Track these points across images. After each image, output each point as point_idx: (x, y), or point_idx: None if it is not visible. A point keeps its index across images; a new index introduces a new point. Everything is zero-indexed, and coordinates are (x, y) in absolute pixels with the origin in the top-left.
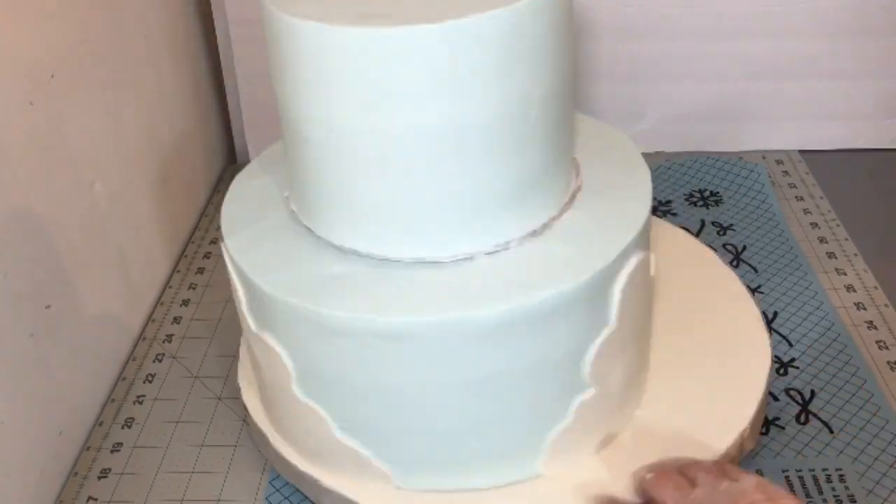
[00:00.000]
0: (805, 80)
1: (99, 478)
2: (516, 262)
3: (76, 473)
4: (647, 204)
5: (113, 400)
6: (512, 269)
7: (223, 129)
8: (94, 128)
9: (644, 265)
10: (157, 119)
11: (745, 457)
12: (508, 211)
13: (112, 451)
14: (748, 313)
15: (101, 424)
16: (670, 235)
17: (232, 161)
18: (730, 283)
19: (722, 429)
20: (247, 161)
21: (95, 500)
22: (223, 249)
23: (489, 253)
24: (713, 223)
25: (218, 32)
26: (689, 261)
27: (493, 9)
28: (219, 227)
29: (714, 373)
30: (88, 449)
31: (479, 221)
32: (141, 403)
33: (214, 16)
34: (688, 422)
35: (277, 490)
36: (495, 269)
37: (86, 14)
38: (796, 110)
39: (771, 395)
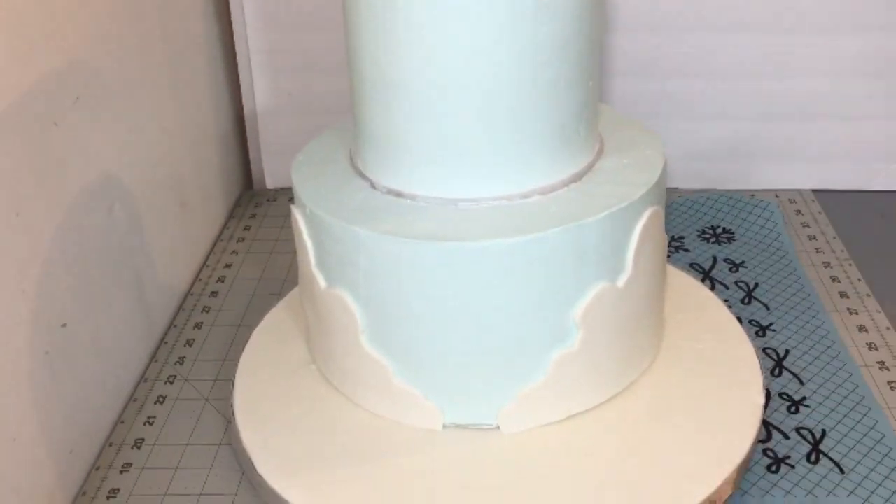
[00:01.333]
0: (819, 121)
1: (108, 497)
2: (536, 205)
3: (85, 493)
4: (661, 168)
5: (123, 421)
6: (555, 206)
7: (241, 156)
8: (115, 151)
9: (657, 217)
10: (176, 144)
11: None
12: (528, 164)
13: (121, 472)
14: (746, 359)
15: (111, 445)
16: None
17: (248, 187)
18: (728, 324)
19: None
20: (263, 187)
21: None
22: (295, 213)
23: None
24: (725, 260)
25: (239, 62)
26: (690, 302)
27: None
28: (234, 252)
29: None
30: (98, 469)
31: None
32: (151, 424)
33: (237, 47)
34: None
35: None
36: (543, 204)
37: (110, 37)
38: (810, 150)
39: (781, 434)
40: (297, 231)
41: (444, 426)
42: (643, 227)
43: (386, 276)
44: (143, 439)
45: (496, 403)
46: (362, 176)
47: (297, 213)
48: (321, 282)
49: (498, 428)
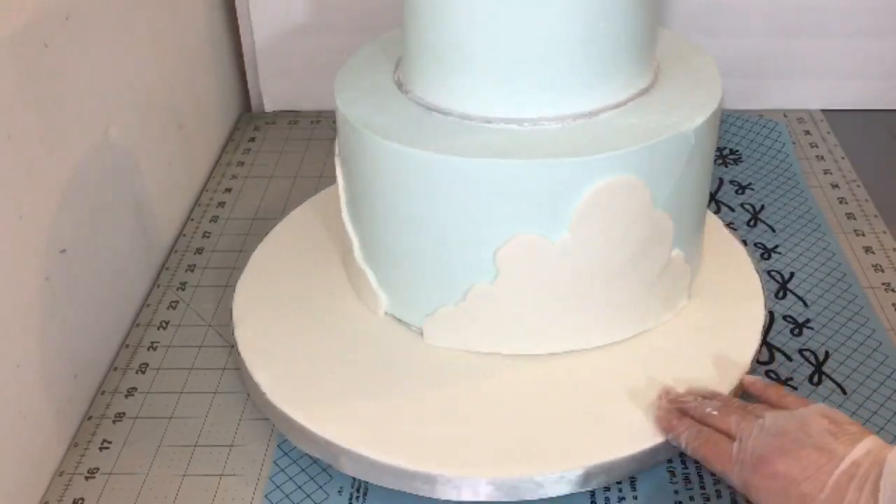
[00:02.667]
0: (829, 38)
1: (114, 421)
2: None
3: (91, 417)
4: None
5: (127, 345)
6: (641, 115)
7: (238, 77)
8: (109, 72)
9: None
10: (172, 65)
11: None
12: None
13: (126, 396)
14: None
15: (115, 369)
16: None
17: (247, 109)
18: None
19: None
20: (261, 109)
21: (110, 442)
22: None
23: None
24: (732, 182)
25: None
26: None
27: None
28: (233, 177)
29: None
30: (103, 393)
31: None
32: (155, 349)
33: None
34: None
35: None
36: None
37: None
38: (819, 68)
39: (784, 355)
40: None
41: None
42: None
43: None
44: (147, 364)
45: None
46: (434, 107)
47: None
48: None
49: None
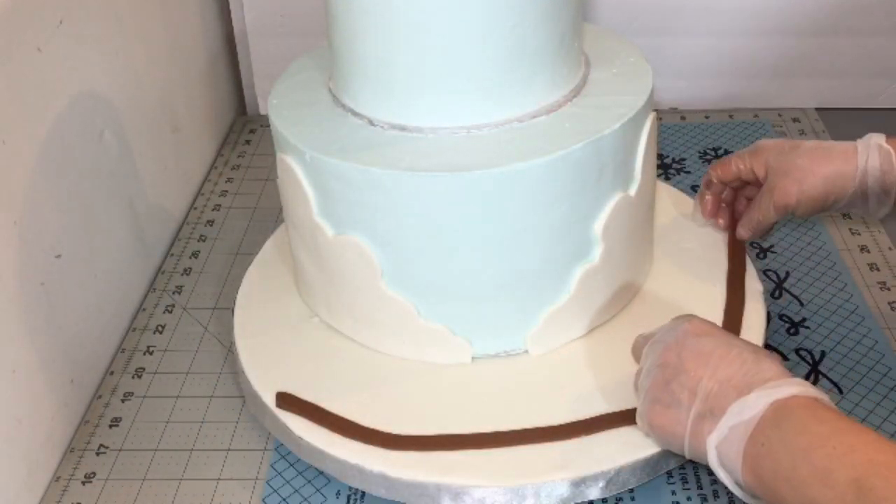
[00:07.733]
0: (823, 37)
1: (110, 426)
2: (548, 124)
3: (87, 421)
4: (650, 73)
5: (123, 350)
6: (567, 122)
7: (233, 80)
8: (103, 75)
9: (654, 123)
10: (166, 68)
11: None
12: (532, 83)
13: (123, 401)
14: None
15: (111, 374)
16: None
17: (242, 112)
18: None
19: None
20: (256, 112)
21: (107, 448)
22: (289, 162)
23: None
24: None
25: None
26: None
27: None
28: (229, 180)
29: None
30: (99, 398)
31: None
32: (151, 354)
33: None
34: None
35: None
36: (556, 122)
37: None
38: (814, 67)
39: (781, 355)
40: (292, 180)
41: (473, 359)
42: (647, 134)
43: (408, 215)
44: (143, 368)
45: (524, 328)
46: (354, 113)
47: (290, 161)
48: (328, 230)
49: (526, 352)
